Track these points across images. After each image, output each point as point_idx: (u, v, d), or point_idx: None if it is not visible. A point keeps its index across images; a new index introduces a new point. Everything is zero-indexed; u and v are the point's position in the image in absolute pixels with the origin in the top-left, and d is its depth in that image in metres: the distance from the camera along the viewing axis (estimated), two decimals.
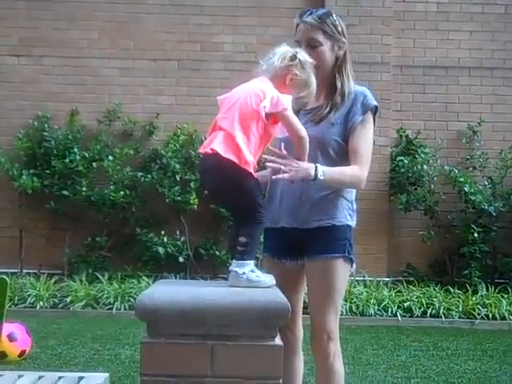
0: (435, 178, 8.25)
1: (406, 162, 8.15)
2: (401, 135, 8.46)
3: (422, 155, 8.21)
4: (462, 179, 8.14)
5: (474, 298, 7.40)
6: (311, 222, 2.90)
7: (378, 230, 8.14)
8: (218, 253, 7.97)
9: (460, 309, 7.23)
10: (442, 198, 8.25)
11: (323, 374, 2.96)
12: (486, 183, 8.35)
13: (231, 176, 2.53)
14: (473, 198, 8.06)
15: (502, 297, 7.45)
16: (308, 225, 2.90)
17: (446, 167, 8.29)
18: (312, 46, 2.85)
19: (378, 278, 7.79)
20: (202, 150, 2.63)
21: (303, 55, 2.71)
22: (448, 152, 8.49)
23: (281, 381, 2.33)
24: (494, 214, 8.11)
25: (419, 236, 8.13)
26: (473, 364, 5.23)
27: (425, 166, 8.16)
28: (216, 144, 2.56)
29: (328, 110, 2.91)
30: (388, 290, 7.56)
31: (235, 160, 2.52)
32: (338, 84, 2.92)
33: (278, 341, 2.34)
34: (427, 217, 8.27)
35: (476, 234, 7.95)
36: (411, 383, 4.57)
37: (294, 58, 2.67)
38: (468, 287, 7.67)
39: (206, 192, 2.71)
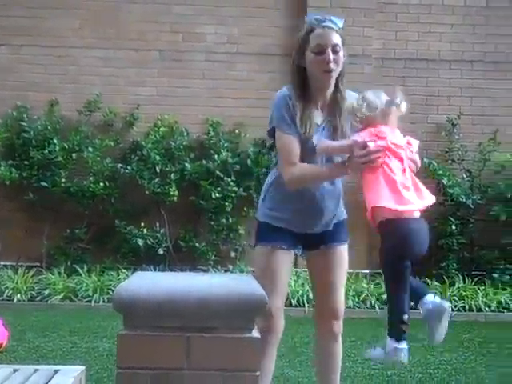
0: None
1: None
2: None
3: None
4: (440, 172, 8.21)
5: (451, 290, 7.47)
6: (330, 225, 3.15)
7: (358, 221, 8.14)
8: (197, 245, 7.97)
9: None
10: None
11: (337, 352, 3.22)
12: (465, 176, 8.42)
13: None
14: (451, 190, 8.13)
15: (479, 289, 7.53)
16: (327, 227, 3.14)
17: (425, 160, 8.33)
18: (336, 51, 2.93)
19: (358, 270, 7.82)
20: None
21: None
22: (427, 144, 8.51)
23: (257, 373, 2.33)
24: (472, 207, 8.19)
25: None
26: (449, 355, 5.27)
27: None
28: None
29: (338, 120, 3.02)
30: (367, 282, 7.61)
31: None
32: (342, 91, 3.03)
33: (255, 333, 2.34)
34: None
35: (454, 227, 8.03)
36: (388, 374, 4.61)
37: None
38: (445, 279, 7.74)
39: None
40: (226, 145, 8.18)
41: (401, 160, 2.75)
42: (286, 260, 3.11)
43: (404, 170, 2.74)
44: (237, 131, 8.34)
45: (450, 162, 8.47)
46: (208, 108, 8.33)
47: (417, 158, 3.00)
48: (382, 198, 2.68)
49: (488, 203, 8.27)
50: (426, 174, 8.27)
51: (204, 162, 8.05)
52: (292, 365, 4.81)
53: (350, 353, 5.12)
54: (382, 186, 2.69)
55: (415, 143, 2.88)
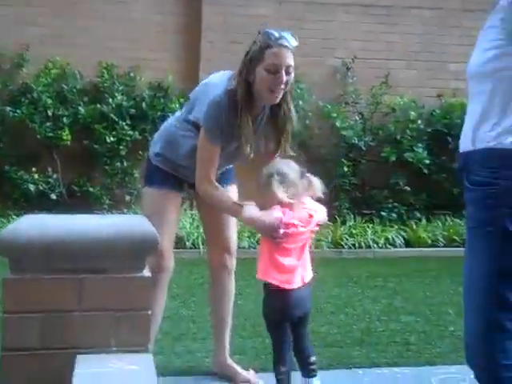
0: (310, 114, 8.43)
1: None
2: None
3: (298, 91, 8.34)
4: (334, 114, 8.38)
5: (342, 229, 7.71)
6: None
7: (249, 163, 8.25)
8: (91, 189, 7.85)
9: (329, 239, 7.52)
10: (315, 132, 8.46)
11: (230, 288, 3.44)
12: (357, 118, 8.64)
13: None
14: (344, 132, 8.34)
15: (368, 227, 7.82)
16: None
17: (320, 103, 8.49)
18: (289, 73, 2.88)
19: None
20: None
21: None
22: (323, 88, 8.66)
23: (149, 312, 2.37)
24: (364, 149, 8.44)
25: None
26: (338, 290, 5.49)
27: (300, 102, 8.30)
28: None
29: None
30: None
31: None
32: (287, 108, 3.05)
33: (146, 272, 2.37)
34: (301, 151, 8.46)
35: (346, 168, 8.27)
36: None
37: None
38: (337, 218, 8.00)
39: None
40: (120, 88, 8.01)
41: (301, 237, 2.92)
42: (174, 202, 3.17)
43: (303, 246, 2.94)
44: (132, 74, 8.17)
45: (343, 104, 8.65)
46: (102, 50, 8.10)
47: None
48: (269, 274, 2.84)
49: (379, 145, 8.54)
50: (321, 117, 8.47)
51: (98, 105, 7.87)
52: (186, 305, 4.89)
53: (242, 291, 5.24)
54: (273, 263, 2.85)
55: (323, 217, 3.05)
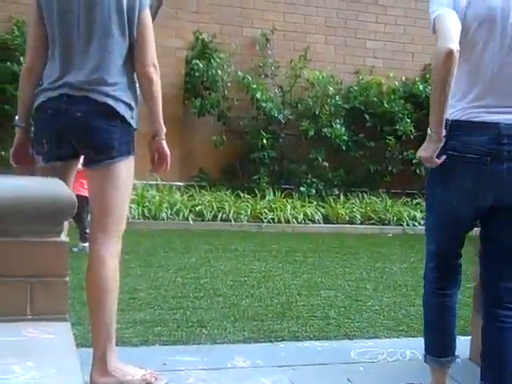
0: (229, 84, 8.28)
1: (201, 66, 8.07)
2: (197, 38, 8.32)
3: (217, 60, 8.19)
4: (254, 86, 8.27)
5: (261, 203, 7.66)
6: None
7: (170, 133, 7.95)
8: (3, 153, 7.42)
9: (249, 213, 7.45)
10: (235, 104, 8.32)
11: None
12: (277, 91, 8.56)
13: None
14: (264, 105, 8.24)
15: (287, 201, 7.78)
16: None
17: (239, 73, 8.35)
18: None
19: (171, 183, 7.75)
20: None
21: None
22: (242, 58, 8.53)
23: (67, 278, 2.20)
24: (283, 122, 8.37)
25: (212, 141, 8.18)
26: (258, 263, 5.43)
27: (219, 71, 8.14)
28: None
29: None
30: (180, 195, 7.58)
31: None
32: None
33: (63, 237, 2.19)
34: (220, 122, 8.32)
35: (265, 141, 8.18)
36: (200, 283, 4.64)
37: None
38: (257, 192, 7.92)
39: None
40: None
41: None
42: None
43: None
44: None
45: (263, 76, 8.55)
46: (13, 5, 7.66)
47: None
48: None
49: (298, 119, 8.50)
50: (240, 88, 8.33)
51: (9, 63, 7.44)
52: None
53: (163, 263, 5.12)
54: None
55: None
